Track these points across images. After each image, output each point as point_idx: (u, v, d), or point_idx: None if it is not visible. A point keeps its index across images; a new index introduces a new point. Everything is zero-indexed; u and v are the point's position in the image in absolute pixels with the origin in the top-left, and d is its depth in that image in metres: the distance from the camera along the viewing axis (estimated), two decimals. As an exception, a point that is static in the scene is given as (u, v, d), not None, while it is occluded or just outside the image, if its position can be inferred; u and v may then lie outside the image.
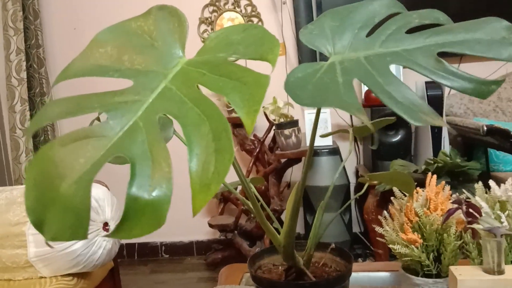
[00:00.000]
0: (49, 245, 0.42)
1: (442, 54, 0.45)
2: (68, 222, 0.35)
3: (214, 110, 0.40)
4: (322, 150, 2.28)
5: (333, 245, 0.80)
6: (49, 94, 2.78)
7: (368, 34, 0.51)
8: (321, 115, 2.35)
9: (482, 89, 0.42)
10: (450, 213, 0.75)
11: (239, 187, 2.00)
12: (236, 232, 2.38)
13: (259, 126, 2.67)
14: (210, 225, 2.41)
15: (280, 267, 0.79)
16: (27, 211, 0.36)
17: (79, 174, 0.36)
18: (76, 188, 0.35)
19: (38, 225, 0.36)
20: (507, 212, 0.78)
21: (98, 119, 0.60)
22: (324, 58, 0.50)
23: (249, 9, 2.66)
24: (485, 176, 2.04)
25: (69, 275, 1.44)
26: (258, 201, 0.69)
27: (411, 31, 0.50)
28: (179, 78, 0.44)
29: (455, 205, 0.76)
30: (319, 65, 0.47)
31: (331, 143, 2.34)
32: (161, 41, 0.47)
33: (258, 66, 0.50)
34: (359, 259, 2.39)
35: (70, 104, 0.42)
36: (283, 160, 2.35)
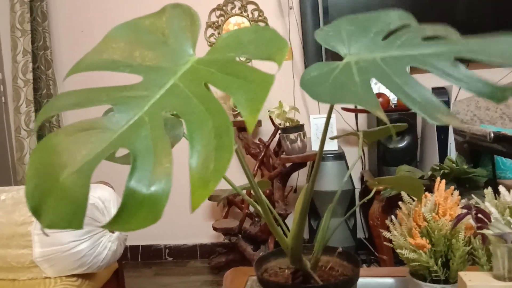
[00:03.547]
0: (44, 233, 0.42)
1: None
2: (65, 211, 0.35)
3: (218, 108, 0.40)
4: (328, 155, 2.27)
5: (340, 249, 0.79)
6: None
7: (384, 39, 0.51)
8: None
9: (498, 94, 0.42)
10: (459, 218, 0.74)
11: (244, 191, 2.01)
12: (240, 235, 2.37)
13: (265, 130, 2.67)
14: (214, 229, 2.40)
15: (286, 270, 0.78)
16: (26, 196, 0.36)
17: (80, 165, 0.36)
18: (75, 178, 0.36)
19: (36, 212, 0.36)
20: (517, 218, 0.77)
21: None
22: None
23: (256, 14, 2.66)
24: (492, 183, 2.03)
25: (73, 275, 1.43)
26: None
27: (426, 40, 0.50)
28: (188, 75, 0.44)
29: (464, 210, 0.75)
30: (335, 65, 0.47)
31: (336, 148, 2.34)
32: (173, 38, 0.47)
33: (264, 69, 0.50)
34: (364, 265, 2.37)
35: (79, 96, 0.43)
36: (288, 165, 2.34)
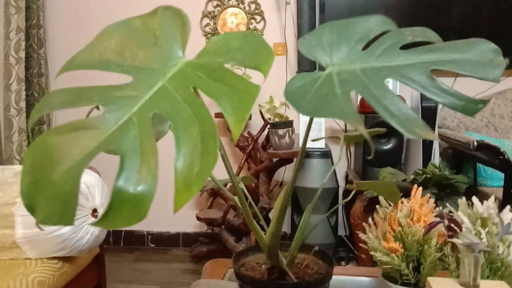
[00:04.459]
0: (39, 227, 0.43)
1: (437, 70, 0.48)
2: (57, 208, 0.37)
3: (205, 113, 0.41)
4: (314, 153, 2.30)
5: (316, 248, 0.82)
6: (47, 76, 2.78)
7: (364, 48, 0.53)
8: (316, 118, 2.37)
9: (470, 107, 0.44)
10: (431, 226, 0.77)
11: (229, 184, 2.02)
12: (223, 226, 2.39)
13: (254, 123, 2.68)
14: (198, 218, 2.42)
15: (263, 266, 0.81)
16: (21, 194, 0.38)
17: (71, 163, 0.38)
18: (66, 176, 0.37)
19: (30, 209, 0.38)
20: (487, 228, 0.81)
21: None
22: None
23: (252, 6, 2.66)
24: (472, 190, 2.07)
25: (54, 258, 1.45)
26: (246, 199, 0.71)
27: (404, 47, 0.52)
28: (177, 78, 0.45)
29: (438, 218, 0.78)
30: (317, 75, 0.49)
31: (323, 146, 2.37)
32: (164, 40, 0.49)
33: (255, 72, 0.51)
34: (342, 262, 2.42)
35: (71, 95, 0.44)
36: (275, 159, 2.36)
